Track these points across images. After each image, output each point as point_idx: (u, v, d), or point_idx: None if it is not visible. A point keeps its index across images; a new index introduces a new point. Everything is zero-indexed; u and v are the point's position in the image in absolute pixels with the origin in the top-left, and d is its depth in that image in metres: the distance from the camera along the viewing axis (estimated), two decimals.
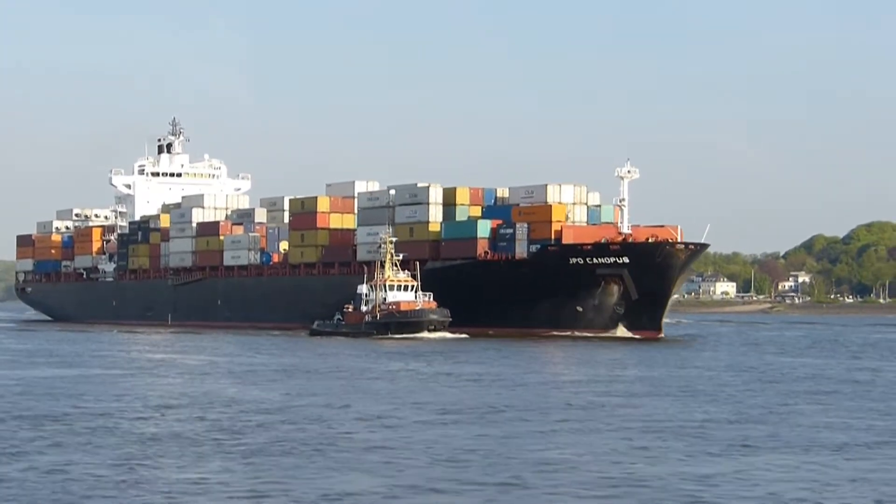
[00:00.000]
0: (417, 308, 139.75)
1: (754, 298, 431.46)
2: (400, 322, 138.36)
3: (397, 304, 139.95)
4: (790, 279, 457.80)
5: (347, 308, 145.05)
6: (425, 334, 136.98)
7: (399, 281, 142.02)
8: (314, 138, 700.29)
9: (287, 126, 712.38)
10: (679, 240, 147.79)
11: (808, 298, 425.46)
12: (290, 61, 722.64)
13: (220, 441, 51.98)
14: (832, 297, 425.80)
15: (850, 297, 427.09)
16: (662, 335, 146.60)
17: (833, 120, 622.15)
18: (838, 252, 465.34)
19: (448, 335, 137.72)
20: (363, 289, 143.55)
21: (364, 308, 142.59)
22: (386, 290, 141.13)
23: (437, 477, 43.11)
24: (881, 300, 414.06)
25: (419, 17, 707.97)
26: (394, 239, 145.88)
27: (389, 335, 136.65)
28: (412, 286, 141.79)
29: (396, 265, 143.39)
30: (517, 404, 66.83)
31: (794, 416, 61.29)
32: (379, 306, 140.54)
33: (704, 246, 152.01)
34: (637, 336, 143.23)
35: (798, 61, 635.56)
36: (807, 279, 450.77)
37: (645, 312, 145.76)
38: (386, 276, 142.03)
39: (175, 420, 59.71)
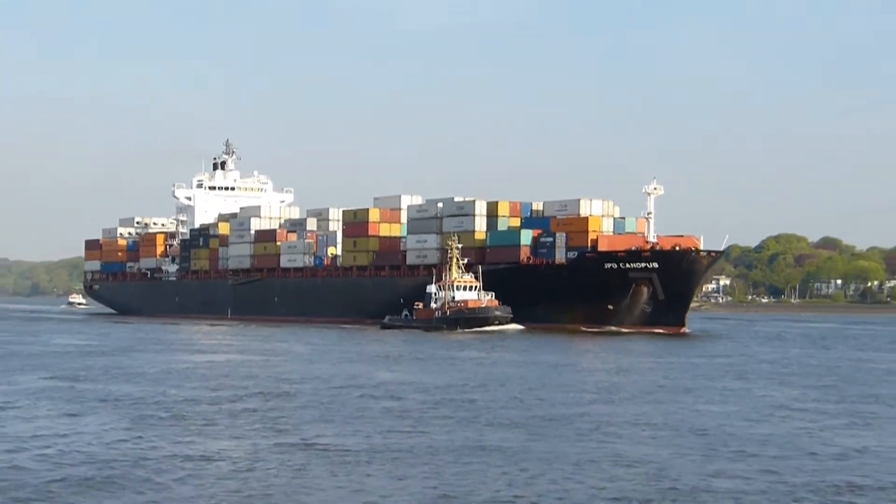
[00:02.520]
0: (483, 305, 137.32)
1: None
2: (468, 318, 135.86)
3: (465, 301, 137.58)
4: (713, 282, 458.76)
5: (417, 305, 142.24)
6: (491, 328, 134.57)
7: (464, 282, 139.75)
8: (344, 154, 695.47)
9: (316, 144, 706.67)
10: (701, 248, 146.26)
11: (730, 298, 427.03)
12: (313, 81, 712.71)
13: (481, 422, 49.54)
14: (750, 297, 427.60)
15: (766, 297, 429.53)
16: (687, 330, 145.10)
17: (742, 141, 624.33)
18: (752, 259, 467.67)
19: (507, 328, 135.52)
20: (432, 288, 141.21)
21: (434, 305, 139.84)
22: (454, 290, 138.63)
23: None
24: (792, 300, 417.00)
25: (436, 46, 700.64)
26: (459, 245, 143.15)
27: (458, 329, 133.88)
28: (475, 286, 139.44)
29: (461, 268, 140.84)
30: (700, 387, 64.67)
31: None
32: (448, 304, 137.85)
33: (722, 253, 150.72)
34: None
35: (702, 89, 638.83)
36: (727, 282, 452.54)
37: (670, 311, 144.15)
38: (453, 278, 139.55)
39: (409, 401, 56.58)
